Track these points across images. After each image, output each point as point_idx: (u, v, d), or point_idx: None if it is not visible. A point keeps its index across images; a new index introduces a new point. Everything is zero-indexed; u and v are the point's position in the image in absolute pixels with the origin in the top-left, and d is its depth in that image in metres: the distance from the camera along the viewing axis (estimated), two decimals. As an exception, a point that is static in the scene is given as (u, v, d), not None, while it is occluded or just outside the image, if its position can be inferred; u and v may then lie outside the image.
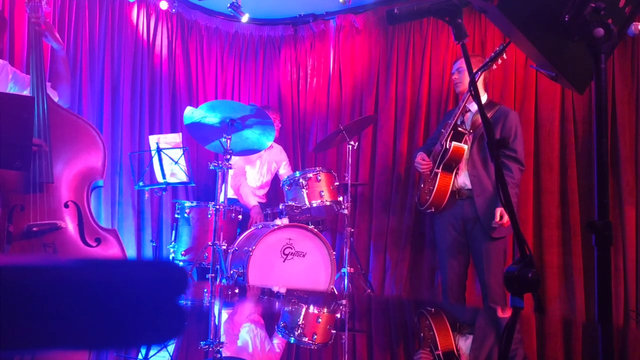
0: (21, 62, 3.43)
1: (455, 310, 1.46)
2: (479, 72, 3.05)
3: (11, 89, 2.68)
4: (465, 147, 3.08)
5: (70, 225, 2.47)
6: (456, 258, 3.15)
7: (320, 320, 1.03)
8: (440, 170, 3.10)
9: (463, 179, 3.12)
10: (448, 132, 3.10)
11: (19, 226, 2.35)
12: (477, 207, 3.03)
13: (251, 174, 4.14)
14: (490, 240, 3.01)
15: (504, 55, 3.11)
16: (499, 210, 2.96)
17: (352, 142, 3.50)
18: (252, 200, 3.90)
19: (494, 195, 3.02)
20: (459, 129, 3.10)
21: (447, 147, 3.08)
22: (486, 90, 3.45)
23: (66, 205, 2.49)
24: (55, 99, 2.73)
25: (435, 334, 0.89)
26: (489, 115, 3.12)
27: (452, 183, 3.10)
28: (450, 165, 3.10)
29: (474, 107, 3.16)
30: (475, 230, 3.06)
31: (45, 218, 2.40)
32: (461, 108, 3.12)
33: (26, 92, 2.61)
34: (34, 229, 2.36)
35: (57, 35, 2.75)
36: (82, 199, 2.54)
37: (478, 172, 3.08)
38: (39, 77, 2.50)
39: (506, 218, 2.94)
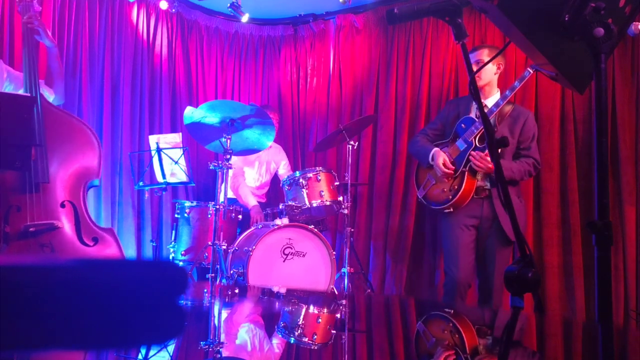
0: (21, 62, 3.42)
1: (468, 310, 1.46)
2: (492, 66, 3.03)
3: (6, 87, 2.67)
4: None
5: (67, 225, 2.47)
6: (468, 257, 3.02)
7: (320, 320, 1.03)
8: (467, 170, 2.94)
9: (482, 178, 2.98)
10: (479, 130, 2.92)
11: (16, 227, 2.35)
12: (496, 208, 2.92)
13: (250, 175, 4.13)
14: (506, 245, 2.94)
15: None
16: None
17: (352, 142, 3.49)
18: (252, 200, 3.90)
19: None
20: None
21: (478, 145, 2.92)
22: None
23: (62, 205, 2.48)
24: (52, 97, 2.73)
25: (463, 336, 0.89)
26: (505, 112, 3.06)
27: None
28: None
29: (489, 102, 3.02)
30: (492, 231, 2.96)
31: (42, 218, 2.40)
32: (501, 106, 2.94)
33: (21, 91, 2.60)
34: (31, 229, 2.35)
35: (49, 33, 2.75)
36: (78, 198, 2.54)
37: None
38: (33, 77, 2.49)
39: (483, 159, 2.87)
